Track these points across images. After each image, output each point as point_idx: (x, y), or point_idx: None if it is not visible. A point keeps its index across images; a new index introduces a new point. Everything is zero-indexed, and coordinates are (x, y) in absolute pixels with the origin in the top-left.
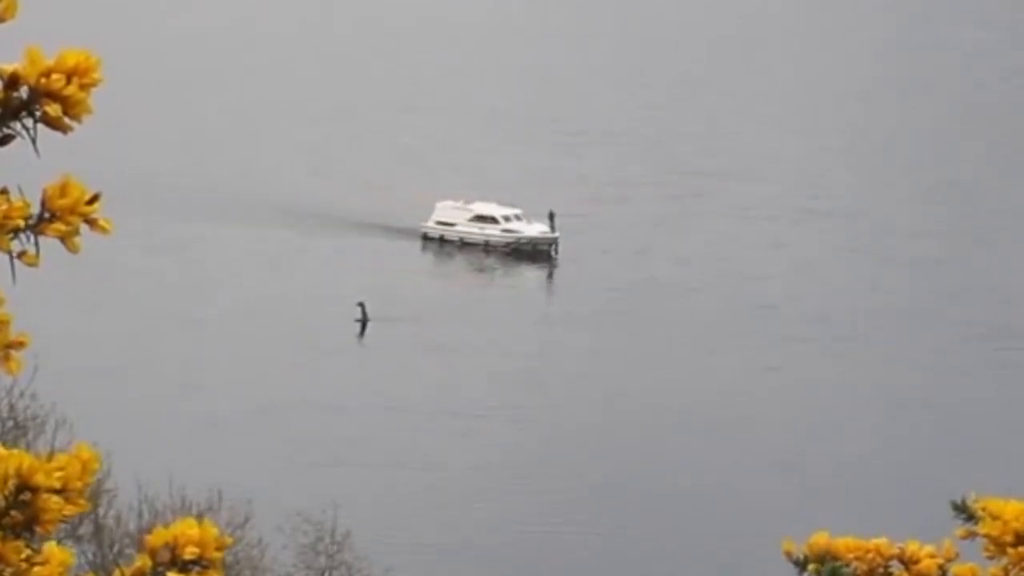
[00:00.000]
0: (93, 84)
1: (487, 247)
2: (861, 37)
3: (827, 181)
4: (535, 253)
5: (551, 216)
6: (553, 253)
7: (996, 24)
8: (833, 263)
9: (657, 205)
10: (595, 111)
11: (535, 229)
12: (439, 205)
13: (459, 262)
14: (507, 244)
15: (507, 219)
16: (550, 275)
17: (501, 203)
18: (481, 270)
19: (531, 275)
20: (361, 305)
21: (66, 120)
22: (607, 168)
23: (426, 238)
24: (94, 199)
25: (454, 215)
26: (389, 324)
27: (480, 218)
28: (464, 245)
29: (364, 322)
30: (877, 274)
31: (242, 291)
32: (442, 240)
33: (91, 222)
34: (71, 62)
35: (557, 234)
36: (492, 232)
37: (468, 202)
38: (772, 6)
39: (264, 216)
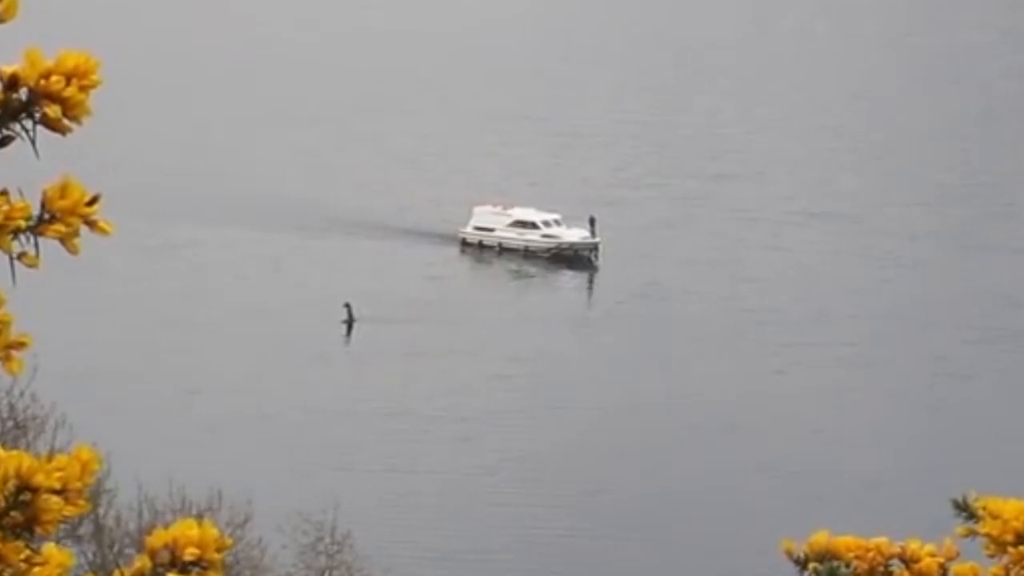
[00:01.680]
0: (93, 86)
1: (527, 252)
2: (863, 38)
3: (831, 184)
4: (575, 258)
5: (592, 221)
6: (593, 259)
7: (996, 26)
8: (837, 266)
9: (666, 207)
10: (602, 112)
11: (575, 234)
12: (477, 210)
13: (497, 267)
14: (547, 249)
15: (547, 224)
16: (590, 280)
17: (540, 208)
18: (519, 275)
19: (570, 280)
20: (347, 306)
21: (65, 122)
22: (616, 169)
23: (465, 244)
24: (94, 200)
25: (493, 220)
26: (401, 326)
27: (519, 223)
28: (503, 251)
29: (350, 323)
30: (881, 277)
31: (255, 294)
32: (481, 245)
33: (91, 223)
34: (71, 63)
35: (598, 239)
36: (532, 237)
37: (507, 207)
38: (775, 8)
39: (285, 220)
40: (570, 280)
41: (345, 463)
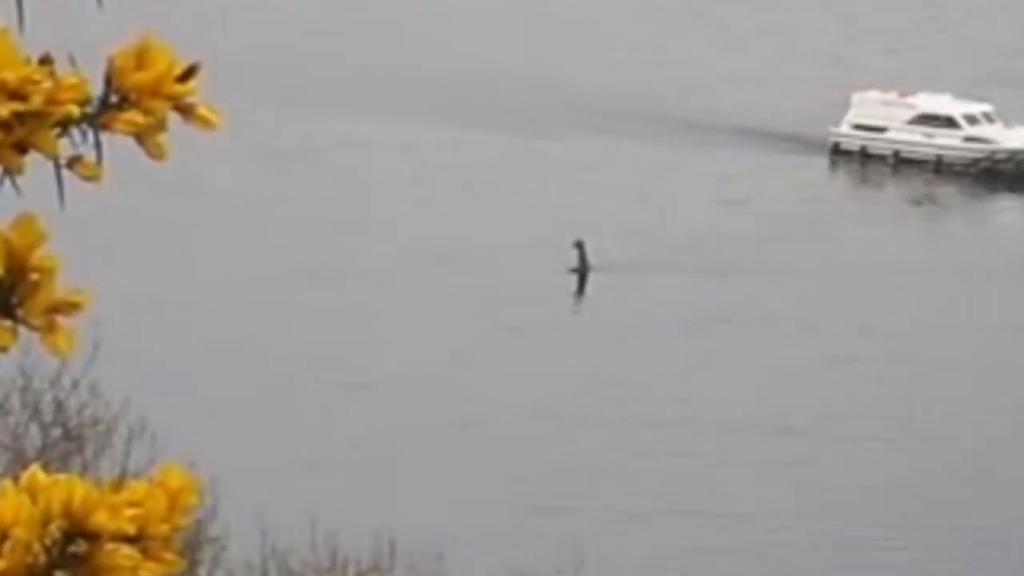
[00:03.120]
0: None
1: (939, 166)
2: None
3: None
4: (1019, 175)
5: None
6: None
7: None
8: None
9: None
10: None
11: (1019, 136)
12: (858, 99)
13: (890, 191)
14: (973, 161)
15: (971, 120)
16: None
17: (959, 96)
18: (926, 204)
19: (1011, 211)
20: (579, 247)
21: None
22: None
23: (838, 151)
24: (190, 72)
25: (884, 114)
26: (674, 277)
27: (926, 118)
28: (901, 163)
29: (583, 272)
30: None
31: (445, 227)
32: (864, 155)
33: (185, 109)
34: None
35: None
36: (947, 141)
37: (905, 94)
38: None
39: (499, 111)
40: (1011, 211)
41: (586, 500)
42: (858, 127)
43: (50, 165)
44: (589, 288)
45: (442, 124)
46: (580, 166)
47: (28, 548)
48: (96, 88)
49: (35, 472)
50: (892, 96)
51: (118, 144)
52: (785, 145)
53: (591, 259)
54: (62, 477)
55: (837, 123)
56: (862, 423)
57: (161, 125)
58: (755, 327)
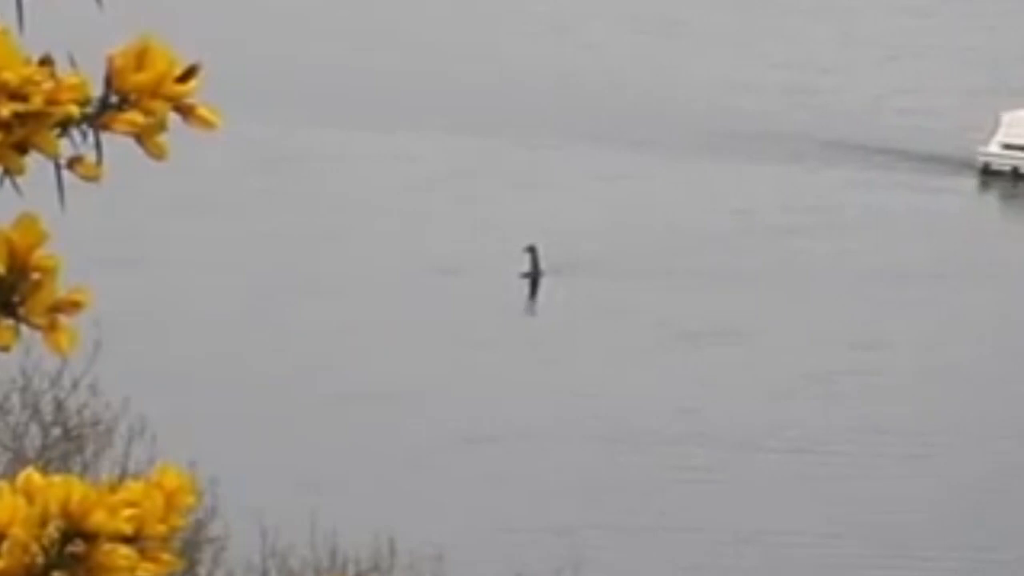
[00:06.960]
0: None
1: None
2: None
3: None
4: None
5: None
6: None
7: None
8: None
9: None
10: None
11: None
12: (1008, 119)
13: None
14: None
15: None
16: None
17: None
18: None
19: None
20: (531, 251)
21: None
22: None
23: (987, 172)
24: (189, 73)
25: None
26: (651, 283)
27: None
28: None
29: (535, 277)
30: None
31: (441, 236)
32: (1017, 175)
33: (185, 110)
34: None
35: None
36: None
37: None
38: None
39: (500, 117)
40: None
41: (585, 515)
42: (1008, 147)
43: (50, 168)
44: (543, 296)
45: (441, 129)
46: (589, 173)
47: (26, 548)
48: (96, 89)
49: (32, 473)
50: None
51: (118, 150)
52: (926, 165)
53: (543, 264)
54: (59, 477)
55: (985, 143)
56: (886, 442)
57: (161, 126)
58: (894, 344)
